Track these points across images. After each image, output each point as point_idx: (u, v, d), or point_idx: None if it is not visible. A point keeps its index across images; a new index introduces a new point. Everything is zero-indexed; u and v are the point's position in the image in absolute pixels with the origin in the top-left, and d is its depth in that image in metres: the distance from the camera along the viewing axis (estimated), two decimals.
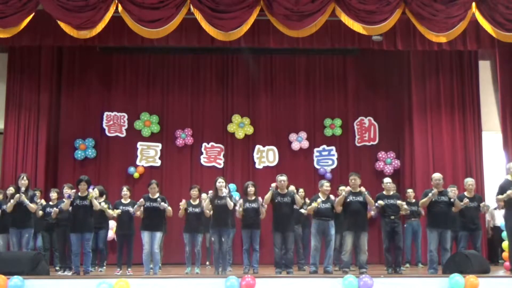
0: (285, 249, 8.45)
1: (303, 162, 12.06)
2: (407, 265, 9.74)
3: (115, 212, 9.04)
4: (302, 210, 9.03)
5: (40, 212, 9.11)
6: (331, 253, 8.52)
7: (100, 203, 8.57)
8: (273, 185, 8.40)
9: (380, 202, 8.59)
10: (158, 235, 8.33)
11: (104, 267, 9.51)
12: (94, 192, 8.27)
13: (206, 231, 9.41)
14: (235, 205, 8.61)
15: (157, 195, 8.42)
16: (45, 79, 11.31)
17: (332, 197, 8.56)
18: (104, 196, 9.55)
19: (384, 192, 8.76)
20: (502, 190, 8.24)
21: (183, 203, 8.87)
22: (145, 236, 8.26)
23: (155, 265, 8.39)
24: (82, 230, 8.15)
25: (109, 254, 10.09)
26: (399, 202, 8.65)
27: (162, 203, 8.27)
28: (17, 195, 8.18)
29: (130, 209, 8.84)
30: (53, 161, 11.59)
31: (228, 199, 8.20)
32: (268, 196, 8.37)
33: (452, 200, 8.23)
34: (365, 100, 12.27)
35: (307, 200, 9.17)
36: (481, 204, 8.70)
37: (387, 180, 8.89)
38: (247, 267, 8.74)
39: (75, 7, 8.59)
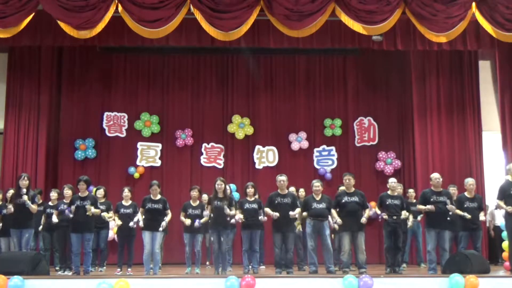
0: (285, 249, 8.46)
1: (303, 162, 12.06)
2: (404, 265, 9.74)
3: (115, 219, 9.02)
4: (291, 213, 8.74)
5: (43, 218, 9.10)
6: (330, 253, 8.52)
7: (99, 207, 8.53)
8: (277, 214, 8.34)
9: (385, 217, 8.58)
10: (159, 235, 8.33)
11: (104, 267, 9.51)
12: (92, 208, 8.20)
13: (206, 231, 9.42)
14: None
15: (159, 196, 8.43)
16: (45, 79, 11.30)
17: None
18: (105, 198, 9.54)
19: (389, 192, 8.75)
20: (502, 191, 8.23)
21: (186, 222, 8.81)
22: (146, 236, 8.26)
23: (155, 265, 8.39)
24: (83, 230, 8.14)
25: (109, 254, 10.09)
26: (404, 212, 8.62)
27: (163, 224, 8.27)
28: (25, 196, 8.17)
29: (131, 223, 8.74)
30: (53, 161, 11.59)
31: (230, 213, 8.24)
32: (269, 213, 8.42)
33: (450, 213, 8.25)
34: (365, 100, 12.28)
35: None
36: (481, 219, 8.72)
37: (392, 180, 8.88)
38: (247, 268, 8.73)
39: (75, 7, 8.59)
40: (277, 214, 8.29)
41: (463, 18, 8.97)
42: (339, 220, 8.29)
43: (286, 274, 8.28)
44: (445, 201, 8.23)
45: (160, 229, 8.26)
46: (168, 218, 8.46)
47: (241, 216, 8.54)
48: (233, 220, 8.60)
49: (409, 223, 8.78)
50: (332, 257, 8.53)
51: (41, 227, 9.14)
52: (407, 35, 10.03)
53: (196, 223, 8.70)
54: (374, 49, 10.44)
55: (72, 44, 10.22)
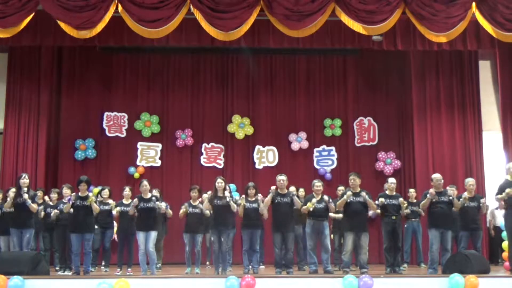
0: (285, 249, 8.46)
1: (303, 162, 12.07)
2: (405, 265, 9.76)
3: (115, 210, 9.03)
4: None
5: (42, 213, 9.11)
6: (328, 253, 8.53)
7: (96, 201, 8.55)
8: (273, 187, 8.39)
9: (382, 199, 8.59)
10: (153, 234, 8.25)
11: (109, 267, 9.49)
12: (93, 195, 8.23)
13: (206, 231, 9.41)
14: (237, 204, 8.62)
15: (150, 194, 8.39)
16: (45, 79, 11.31)
17: (325, 197, 8.53)
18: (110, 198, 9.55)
19: (387, 192, 8.77)
20: (501, 190, 8.24)
21: (184, 207, 8.83)
22: (140, 236, 8.20)
23: (152, 264, 8.31)
24: (82, 231, 8.16)
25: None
26: (401, 199, 8.67)
27: (157, 203, 8.22)
28: (25, 195, 8.15)
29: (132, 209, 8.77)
30: (53, 161, 11.59)
31: (231, 202, 8.25)
32: (268, 198, 8.39)
33: (451, 198, 8.25)
34: (365, 100, 12.28)
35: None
36: (481, 200, 8.64)
37: (391, 180, 8.88)
38: (247, 268, 8.72)
39: (75, 7, 8.59)
40: (273, 187, 8.34)
41: (463, 18, 8.97)
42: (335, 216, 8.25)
43: (286, 274, 8.28)
44: (447, 201, 8.23)
45: (160, 204, 8.23)
46: (163, 204, 8.42)
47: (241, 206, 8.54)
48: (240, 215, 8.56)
49: (404, 210, 8.82)
50: (329, 257, 8.55)
51: (42, 215, 9.09)
52: (407, 35, 10.03)
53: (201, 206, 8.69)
54: (374, 49, 10.44)
55: (72, 44, 10.23)
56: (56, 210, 8.81)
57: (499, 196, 8.21)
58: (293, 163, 12.00)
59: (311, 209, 8.45)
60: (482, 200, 8.63)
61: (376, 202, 8.66)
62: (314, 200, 8.46)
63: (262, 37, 10.10)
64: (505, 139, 10.92)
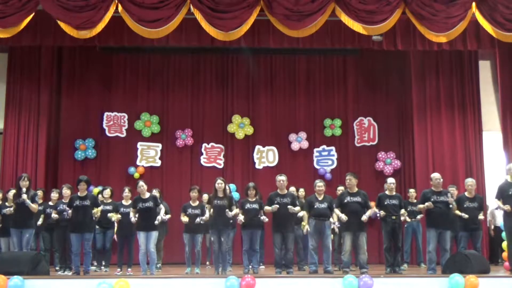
0: (285, 249, 8.47)
1: (303, 162, 12.07)
2: (405, 265, 9.76)
3: (115, 217, 9.01)
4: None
5: (41, 217, 9.10)
6: (329, 252, 8.54)
7: (99, 205, 8.55)
8: (275, 207, 8.35)
9: (382, 212, 8.61)
10: (154, 234, 8.26)
11: (109, 267, 9.49)
12: (98, 212, 8.36)
13: (206, 231, 9.41)
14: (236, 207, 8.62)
15: (148, 194, 8.39)
16: (45, 79, 11.30)
17: (331, 204, 8.58)
18: (111, 198, 9.53)
19: (387, 192, 8.77)
20: (501, 191, 8.26)
21: (184, 219, 8.81)
22: (141, 236, 8.21)
23: (152, 264, 8.31)
24: (82, 230, 8.16)
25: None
26: (402, 211, 8.68)
27: (159, 217, 8.25)
28: (24, 195, 8.15)
29: (133, 218, 8.69)
30: (53, 161, 11.58)
31: (232, 214, 8.27)
32: (268, 209, 8.42)
33: (450, 206, 8.25)
34: (365, 100, 12.28)
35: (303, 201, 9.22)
36: (480, 217, 8.74)
37: (390, 180, 8.89)
38: (247, 268, 8.73)
39: (75, 7, 8.60)
40: (276, 206, 8.30)
41: (463, 18, 8.97)
42: (344, 216, 8.22)
43: (286, 274, 8.29)
44: (446, 201, 8.22)
45: (156, 222, 8.21)
46: (162, 212, 8.42)
47: (242, 218, 8.52)
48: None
49: (405, 218, 8.89)
50: (330, 257, 8.56)
51: (40, 221, 9.09)
52: (407, 35, 10.03)
53: (198, 219, 8.66)
54: (374, 49, 10.44)
55: (72, 44, 10.23)
56: (55, 215, 8.77)
57: (499, 203, 8.26)
58: (293, 163, 12.00)
59: (304, 230, 8.80)
60: (480, 218, 8.75)
61: (377, 214, 8.74)
62: (306, 228, 8.65)
63: (262, 37, 10.10)
64: (505, 139, 10.91)
